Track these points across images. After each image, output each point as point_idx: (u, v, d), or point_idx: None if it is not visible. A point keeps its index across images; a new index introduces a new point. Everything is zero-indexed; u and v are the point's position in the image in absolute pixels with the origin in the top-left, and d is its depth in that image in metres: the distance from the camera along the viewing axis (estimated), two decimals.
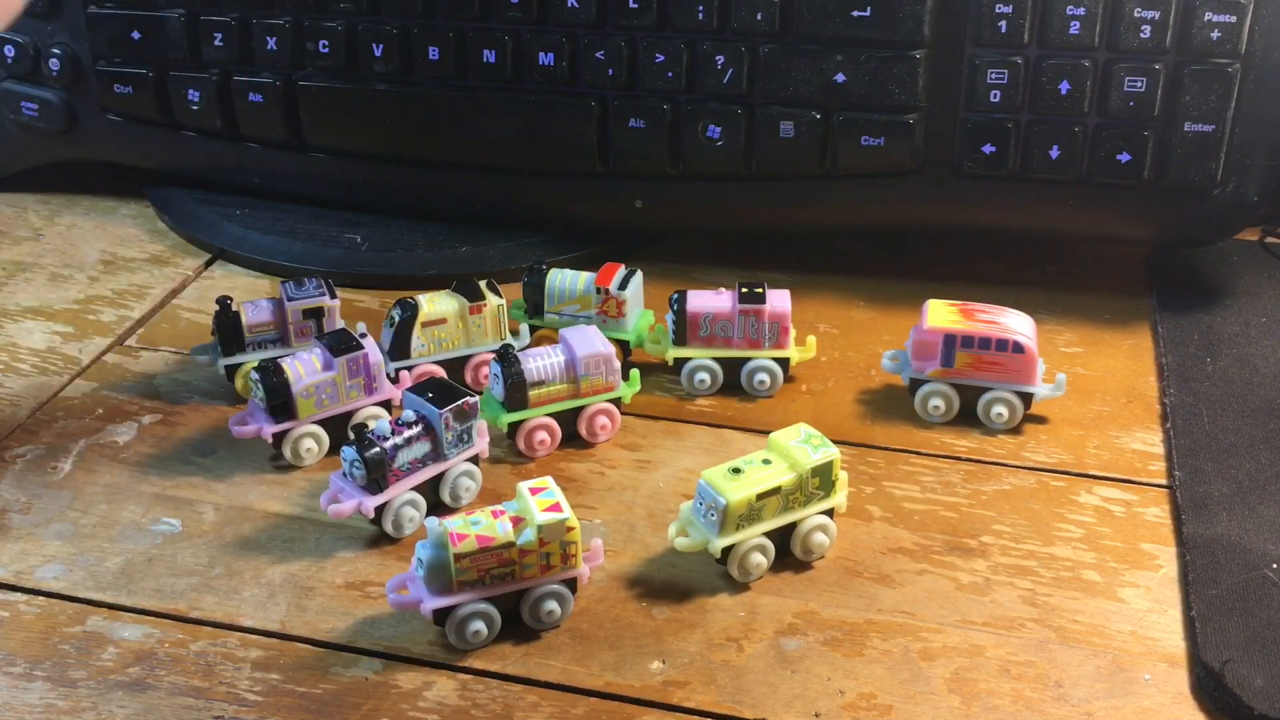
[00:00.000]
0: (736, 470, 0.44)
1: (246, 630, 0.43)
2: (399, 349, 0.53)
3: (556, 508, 0.42)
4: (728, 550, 0.44)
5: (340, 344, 0.50)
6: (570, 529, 0.42)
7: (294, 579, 0.45)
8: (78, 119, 0.70)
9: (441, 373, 0.54)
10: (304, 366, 0.50)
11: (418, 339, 0.53)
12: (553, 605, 0.42)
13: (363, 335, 0.51)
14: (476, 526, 0.41)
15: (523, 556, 0.41)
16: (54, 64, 0.68)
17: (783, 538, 0.45)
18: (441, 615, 0.41)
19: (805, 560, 0.45)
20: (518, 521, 0.41)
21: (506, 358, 0.50)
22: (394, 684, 0.41)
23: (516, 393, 0.50)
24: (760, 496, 0.43)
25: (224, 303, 0.53)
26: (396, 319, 0.53)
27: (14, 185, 0.74)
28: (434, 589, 0.41)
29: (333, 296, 0.54)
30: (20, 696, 0.40)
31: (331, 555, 0.46)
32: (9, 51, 0.69)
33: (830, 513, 0.45)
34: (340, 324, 0.54)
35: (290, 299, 0.54)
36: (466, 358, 0.54)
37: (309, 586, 0.44)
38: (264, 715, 0.39)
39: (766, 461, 0.45)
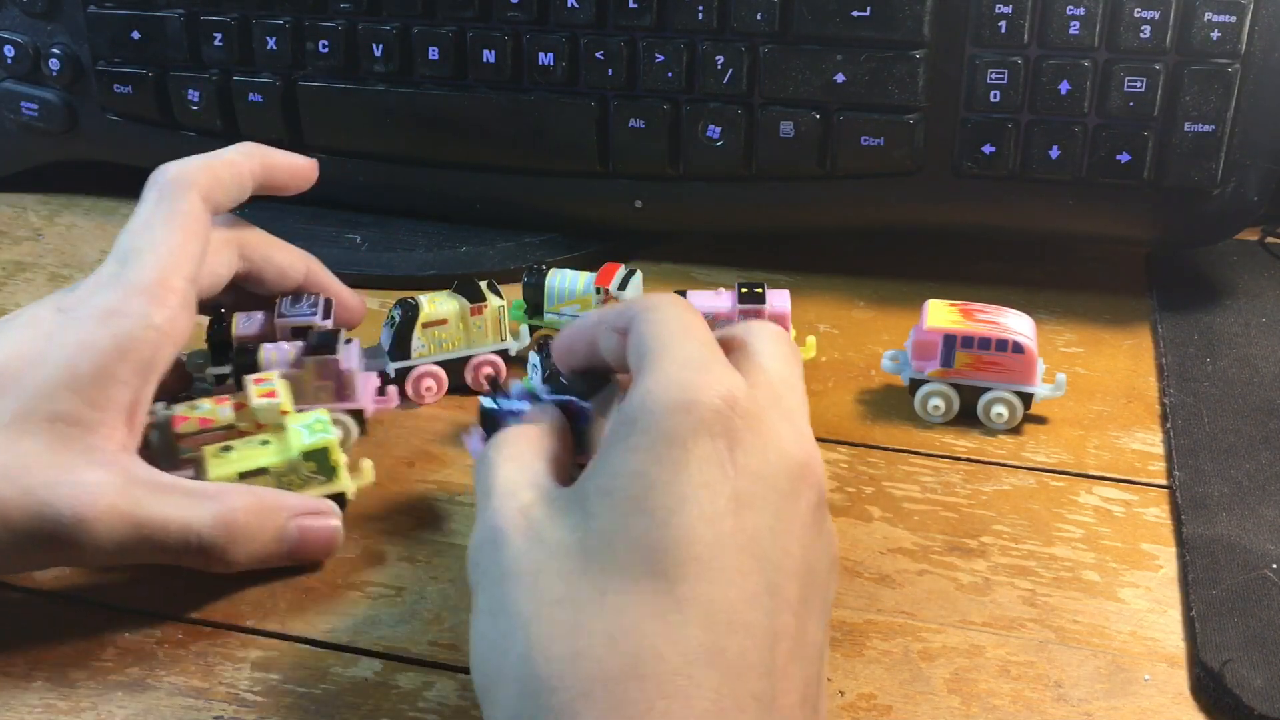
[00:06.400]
0: (228, 449, 0.45)
1: (246, 630, 0.43)
2: (399, 349, 0.53)
3: (272, 394, 0.45)
4: None
5: (319, 344, 0.50)
6: (284, 413, 0.45)
7: (294, 579, 0.45)
8: (78, 119, 0.70)
9: (441, 374, 0.54)
10: (278, 356, 0.50)
11: (418, 339, 0.53)
12: None
13: (347, 342, 0.51)
14: (198, 410, 0.45)
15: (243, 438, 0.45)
16: (54, 64, 0.68)
17: None
18: None
19: None
20: (239, 407, 0.45)
21: (547, 349, 0.50)
22: (394, 684, 0.41)
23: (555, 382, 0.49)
24: (243, 476, 0.44)
25: (218, 313, 0.53)
26: (397, 319, 0.53)
27: (14, 185, 0.74)
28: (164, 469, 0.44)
29: (326, 316, 0.54)
30: (20, 696, 0.40)
31: (331, 555, 0.46)
32: (9, 51, 0.69)
33: (340, 499, 0.46)
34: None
35: (281, 315, 0.53)
36: (467, 358, 0.54)
37: (309, 586, 0.44)
38: (264, 715, 0.39)
39: (266, 442, 0.45)
